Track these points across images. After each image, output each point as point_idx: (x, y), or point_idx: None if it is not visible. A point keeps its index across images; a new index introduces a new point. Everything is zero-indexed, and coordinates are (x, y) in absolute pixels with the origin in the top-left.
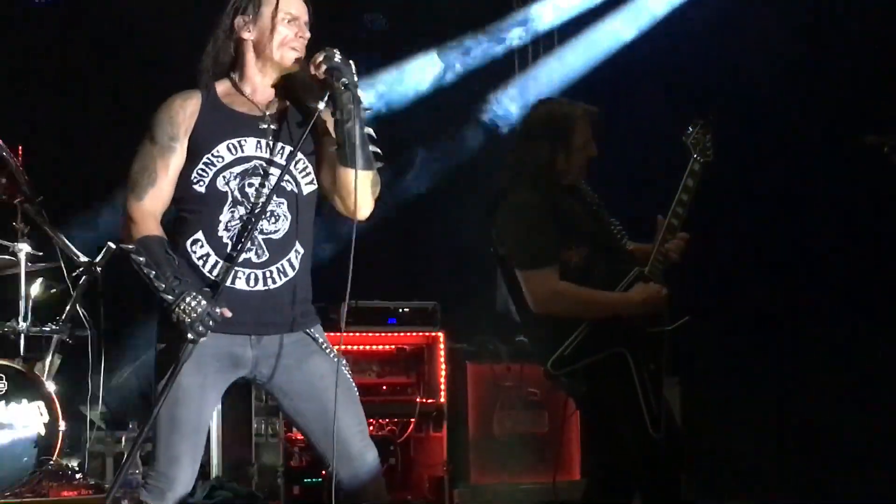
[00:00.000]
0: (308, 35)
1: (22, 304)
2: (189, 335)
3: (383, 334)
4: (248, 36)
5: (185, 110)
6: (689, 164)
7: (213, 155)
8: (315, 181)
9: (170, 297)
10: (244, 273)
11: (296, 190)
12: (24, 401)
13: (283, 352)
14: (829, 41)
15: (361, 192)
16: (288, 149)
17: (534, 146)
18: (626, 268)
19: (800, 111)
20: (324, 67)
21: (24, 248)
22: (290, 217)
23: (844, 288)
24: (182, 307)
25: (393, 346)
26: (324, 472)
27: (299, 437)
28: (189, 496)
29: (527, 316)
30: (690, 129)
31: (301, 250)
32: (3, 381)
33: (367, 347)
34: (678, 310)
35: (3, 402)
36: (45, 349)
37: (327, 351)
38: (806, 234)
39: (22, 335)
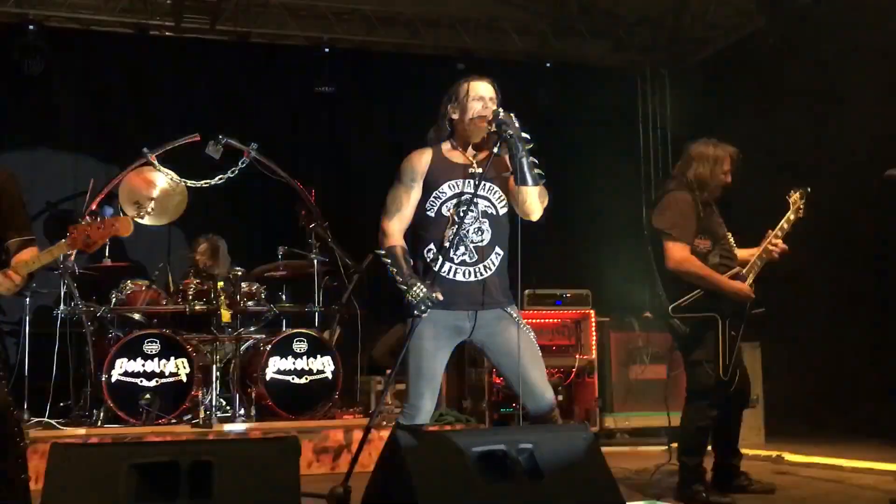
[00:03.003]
0: (492, 107)
1: (315, 293)
2: (415, 311)
3: (553, 311)
4: (455, 115)
5: (422, 161)
6: (787, 214)
7: (439, 191)
8: (507, 205)
9: (404, 287)
10: (461, 269)
11: (494, 212)
12: (318, 356)
13: (490, 323)
14: None
15: (533, 201)
16: (489, 185)
17: (695, 164)
18: (731, 264)
19: None
20: (493, 125)
21: (316, 256)
22: (490, 231)
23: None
24: (411, 293)
25: (559, 320)
26: (514, 404)
27: (497, 380)
28: None
29: (664, 274)
30: (792, 191)
31: (500, 252)
32: (305, 343)
33: (543, 321)
34: (761, 300)
35: (306, 356)
36: (331, 322)
37: (520, 323)
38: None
39: (316, 313)
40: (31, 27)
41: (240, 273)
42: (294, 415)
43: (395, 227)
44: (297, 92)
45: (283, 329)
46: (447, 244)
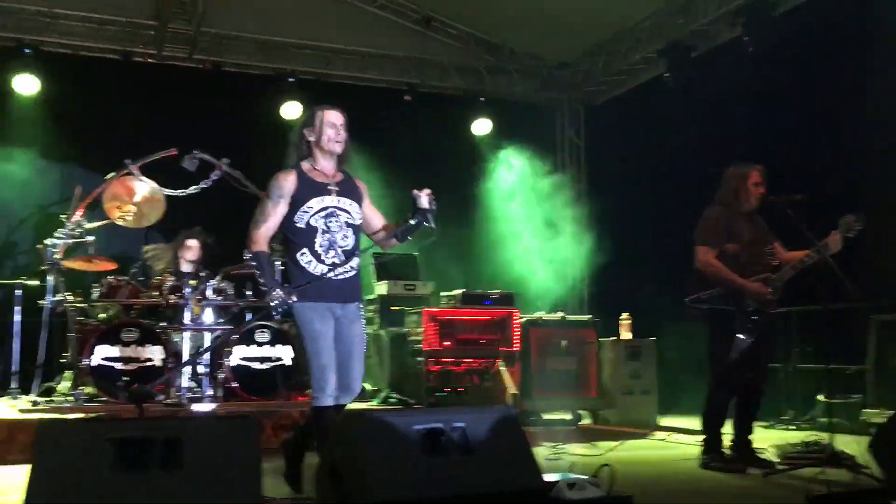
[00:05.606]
0: (344, 134)
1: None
2: (273, 312)
3: (482, 310)
4: (312, 138)
5: (288, 181)
6: (836, 232)
7: (307, 206)
8: (361, 217)
9: (265, 288)
10: (332, 270)
11: (354, 223)
12: (279, 345)
13: (348, 315)
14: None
15: (393, 246)
16: (346, 200)
17: (725, 183)
18: (761, 269)
19: None
20: (424, 210)
21: (277, 258)
22: (353, 237)
23: None
24: (270, 295)
25: (488, 317)
26: (447, 389)
27: (434, 368)
28: (363, 399)
29: (692, 272)
30: (848, 216)
31: (358, 257)
32: (267, 333)
33: (473, 318)
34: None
35: (268, 345)
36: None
37: (363, 320)
38: None
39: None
40: (26, 51)
41: (207, 273)
42: (256, 397)
43: (263, 236)
44: (264, 115)
45: (248, 321)
46: (319, 249)
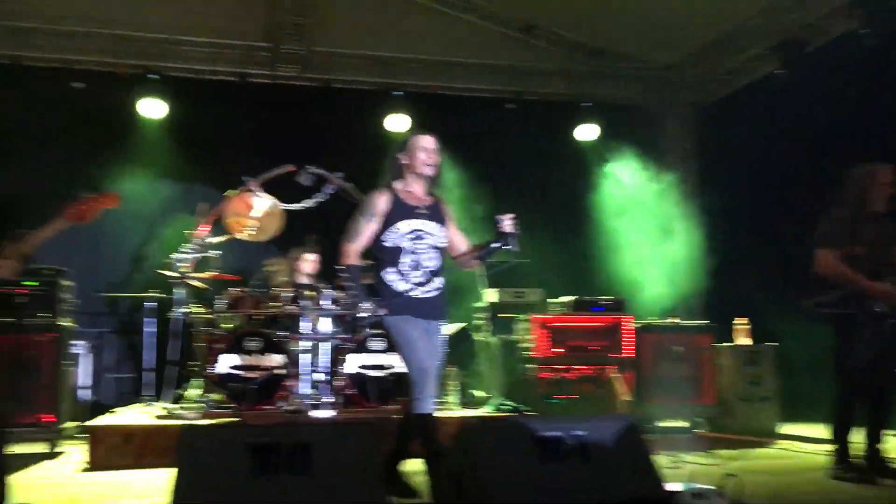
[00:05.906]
0: (436, 158)
1: None
2: (362, 323)
3: (593, 316)
4: (405, 161)
5: (382, 202)
6: None
7: (396, 227)
8: (446, 240)
9: (355, 299)
10: (418, 289)
11: (439, 245)
12: (394, 353)
13: (433, 331)
14: None
15: (468, 267)
16: (433, 224)
17: (853, 184)
18: (888, 272)
19: None
20: (506, 234)
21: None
22: (438, 259)
23: None
24: (359, 304)
25: (599, 324)
26: (559, 396)
27: (546, 375)
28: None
29: (812, 275)
30: None
31: (443, 277)
32: (382, 342)
33: (584, 324)
34: None
35: (383, 353)
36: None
37: (441, 336)
38: None
39: None
40: (151, 76)
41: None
42: (373, 403)
43: (355, 250)
44: (372, 128)
45: (365, 330)
46: (405, 268)
